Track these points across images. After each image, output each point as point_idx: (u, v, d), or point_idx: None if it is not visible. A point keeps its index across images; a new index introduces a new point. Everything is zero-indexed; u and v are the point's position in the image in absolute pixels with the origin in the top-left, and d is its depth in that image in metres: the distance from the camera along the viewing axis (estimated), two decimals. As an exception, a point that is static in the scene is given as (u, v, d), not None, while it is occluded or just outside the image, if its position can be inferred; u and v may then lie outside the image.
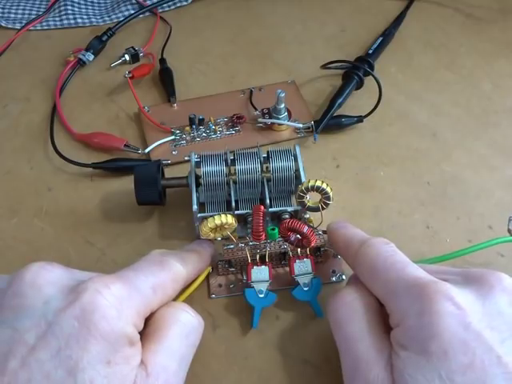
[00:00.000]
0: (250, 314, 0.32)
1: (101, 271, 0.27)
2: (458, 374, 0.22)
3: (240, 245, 0.33)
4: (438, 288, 0.24)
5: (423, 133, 0.44)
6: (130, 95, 0.44)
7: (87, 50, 0.50)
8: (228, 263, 0.34)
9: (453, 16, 0.54)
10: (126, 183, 0.40)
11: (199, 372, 0.30)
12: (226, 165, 0.36)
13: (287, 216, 0.35)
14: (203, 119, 0.43)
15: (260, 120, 0.43)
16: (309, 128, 0.43)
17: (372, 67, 0.46)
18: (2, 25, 0.54)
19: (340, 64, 0.47)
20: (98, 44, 0.50)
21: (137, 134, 0.44)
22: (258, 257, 0.33)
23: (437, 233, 0.37)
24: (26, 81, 0.49)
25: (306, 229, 0.31)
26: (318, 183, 0.32)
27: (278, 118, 0.43)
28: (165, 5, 0.55)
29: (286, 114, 0.43)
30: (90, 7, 0.56)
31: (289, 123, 0.43)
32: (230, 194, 0.36)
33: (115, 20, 0.54)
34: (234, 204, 0.35)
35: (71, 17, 0.54)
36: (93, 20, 0.55)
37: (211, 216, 0.32)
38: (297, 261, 0.33)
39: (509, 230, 0.33)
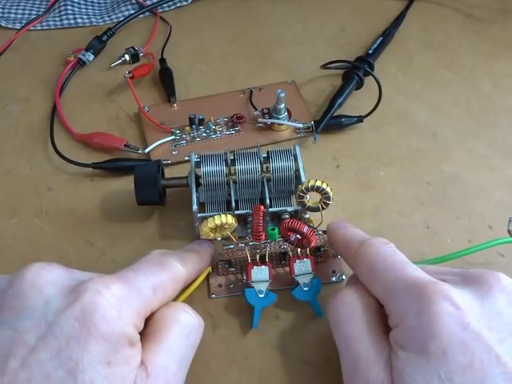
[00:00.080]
0: (250, 314, 0.32)
1: (101, 271, 0.27)
2: (457, 374, 0.22)
3: (240, 245, 0.33)
4: (437, 288, 0.24)
5: (423, 133, 0.44)
6: (130, 95, 0.45)
7: (87, 50, 0.50)
8: (228, 263, 0.34)
9: (453, 16, 0.54)
10: (126, 183, 0.40)
11: (199, 372, 0.30)
12: (226, 165, 0.36)
13: (287, 216, 0.35)
14: (203, 119, 0.43)
15: (260, 120, 0.44)
16: (309, 128, 0.43)
17: (372, 67, 0.46)
18: (2, 25, 0.54)
19: (340, 64, 0.47)
20: (97, 44, 0.50)
21: (137, 134, 0.44)
22: (257, 257, 0.33)
23: (437, 233, 0.37)
24: (26, 81, 0.49)
25: (305, 229, 0.31)
26: (318, 183, 0.32)
27: (278, 118, 0.43)
28: (165, 5, 0.55)
29: (286, 113, 0.43)
30: (90, 7, 0.56)
31: (289, 123, 0.43)
32: (230, 194, 0.36)
33: (115, 20, 0.54)
34: (233, 204, 0.35)
35: (71, 17, 0.54)
36: (93, 20, 0.55)
37: (211, 216, 0.32)
38: (297, 261, 0.33)
39: (509, 231, 0.33)
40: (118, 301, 0.25)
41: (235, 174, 0.36)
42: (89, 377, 0.22)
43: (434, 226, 0.37)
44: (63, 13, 0.54)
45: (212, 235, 0.33)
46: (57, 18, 0.54)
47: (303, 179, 0.35)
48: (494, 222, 0.37)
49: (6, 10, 0.55)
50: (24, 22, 0.54)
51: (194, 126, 0.43)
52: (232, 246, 0.33)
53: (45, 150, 0.43)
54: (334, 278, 0.34)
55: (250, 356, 0.31)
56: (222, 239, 0.34)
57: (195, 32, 0.53)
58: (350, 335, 0.27)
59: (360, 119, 0.43)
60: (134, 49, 0.50)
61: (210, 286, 0.34)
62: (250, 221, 0.35)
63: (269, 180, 0.36)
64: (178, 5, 0.56)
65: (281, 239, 0.33)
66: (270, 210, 0.35)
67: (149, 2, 0.55)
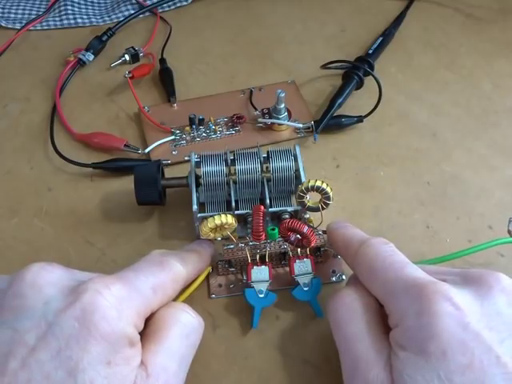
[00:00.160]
0: (250, 314, 0.32)
1: (101, 271, 0.27)
2: (456, 374, 0.22)
3: (240, 245, 0.33)
4: (437, 288, 0.24)
5: (423, 133, 0.44)
6: (130, 95, 0.45)
7: (87, 50, 0.50)
8: (228, 263, 0.34)
9: (453, 16, 0.54)
10: (126, 183, 0.40)
11: (199, 372, 0.30)
12: (226, 165, 0.36)
13: (287, 216, 0.35)
14: (203, 119, 0.43)
15: (260, 120, 0.43)
16: (309, 128, 0.43)
17: (372, 67, 0.46)
18: (2, 25, 0.54)
19: (340, 64, 0.47)
20: (97, 44, 0.50)
21: (137, 134, 0.44)
22: (258, 257, 0.33)
23: (437, 233, 0.37)
24: (26, 81, 0.49)
25: (306, 229, 0.31)
26: (318, 183, 0.32)
27: (278, 118, 0.43)
28: (165, 5, 0.55)
29: (286, 113, 0.43)
30: (90, 7, 0.56)
31: (289, 123, 0.43)
32: (230, 194, 0.36)
33: (115, 20, 0.54)
34: (233, 204, 0.35)
35: (71, 17, 0.54)
36: (93, 20, 0.55)
37: (211, 216, 0.32)
38: (297, 261, 0.33)
39: (509, 232, 0.33)
40: (118, 301, 0.25)
41: (235, 174, 0.36)
42: (89, 377, 0.22)
43: (434, 225, 0.37)
44: (63, 13, 0.54)
45: (212, 235, 0.33)
46: (57, 18, 0.54)
47: (303, 179, 0.35)
48: (493, 222, 0.37)
49: (6, 10, 0.55)
50: (24, 21, 0.54)
51: (194, 126, 0.43)
52: (232, 246, 0.33)
53: (45, 150, 0.43)
54: (334, 278, 0.34)
55: (250, 356, 0.31)
56: (222, 239, 0.34)
57: (195, 32, 0.53)
58: (350, 335, 0.27)
59: (360, 119, 0.43)
60: (134, 49, 0.50)
61: (209, 285, 0.34)
62: (249, 221, 0.35)
63: (269, 180, 0.36)
64: (178, 5, 0.56)
65: (281, 239, 0.33)
66: (270, 210, 0.35)
67: (149, 2, 0.55)
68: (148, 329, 0.27)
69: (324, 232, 0.33)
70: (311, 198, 0.34)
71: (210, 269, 0.34)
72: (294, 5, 0.56)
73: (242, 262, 0.34)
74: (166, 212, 0.38)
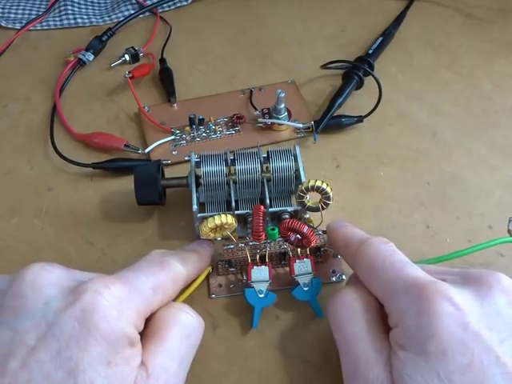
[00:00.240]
0: (250, 314, 0.32)
1: (101, 271, 0.27)
2: (456, 374, 0.22)
3: (240, 245, 0.33)
4: (437, 288, 0.24)
5: (423, 133, 0.44)
6: (130, 95, 0.45)
7: (87, 49, 0.50)
8: (228, 263, 0.34)
9: (453, 16, 0.54)
10: (126, 183, 0.40)
11: (199, 372, 0.30)
12: (226, 165, 0.36)
13: (287, 216, 0.35)
14: (203, 119, 0.43)
15: (260, 120, 0.44)
16: (309, 128, 0.43)
17: (372, 67, 0.46)
18: (2, 25, 0.54)
19: (340, 64, 0.47)
20: (97, 44, 0.50)
21: (137, 134, 0.44)
22: (258, 257, 0.33)
23: (437, 233, 0.37)
24: (26, 81, 0.49)
25: (306, 229, 0.31)
26: (318, 183, 0.32)
27: (278, 118, 0.43)
28: (165, 5, 0.55)
29: (286, 113, 0.43)
30: (90, 7, 0.56)
31: (289, 123, 0.43)
32: (230, 194, 0.36)
33: (115, 20, 0.54)
34: (233, 204, 0.35)
35: (71, 17, 0.54)
36: (93, 20, 0.55)
37: (211, 216, 0.32)
38: (297, 261, 0.33)
39: (509, 231, 0.33)
40: (117, 301, 0.25)
41: (235, 174, 0.36)
42: (89, 377, 0.22)
43: (434, 225, 0.37)
44: (63, 13, 0.54)
45: (212, 235, 0.33)
46: (57, 18, 0.54)
47: (303, 179, 0.35)
48: (493, 222, 0.37)
49: (6, 10, 0.55)
50: (24, 21, 0.54)
51: (194, 126, 0.43)
52: (232, 246, 0.33)
53: (45, 150, 0.43)
54: (334, 278, 0.34)
55: (250, 356, 0.31)
56: (222, 239, 0.34)
57: (195, 32, 0.53)
58: (350, 335, 0.27)
59: (360, 119, 0.43)
60: (134, 49, 0.50)
61: (209, 285, 0.34)
62: (249, 221, 0.35)
63: (269, 180, 0.36)
64: (178, 5, 0.56)
65: (281, 239, 0.33)
66: (270, 210, 0.35)
67: (149, 2, 0.55)
68: (148, 329, 0.27)
69: (324, 232, 0.33)
70: (311, 198, 0.34)
71: (209, 269, 0.34)
72: (294, 5, 0.56)
73: (242, 261, 0.34)
74: (166, 212, 0.38)
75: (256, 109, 0.45)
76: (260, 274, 0.33)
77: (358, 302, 0.27)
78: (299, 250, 0.33)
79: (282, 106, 0.43)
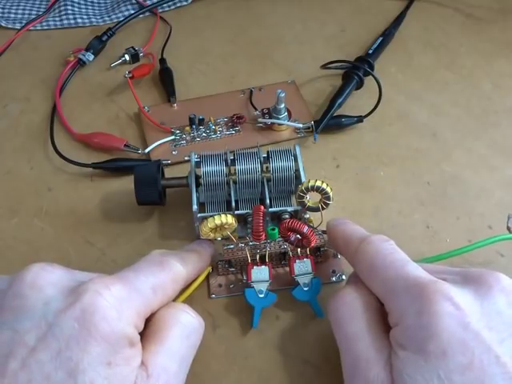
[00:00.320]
0: (250, 314, 0.32)
1: (101, 271, 0.27)
2: (456, 374, 0.22)
3: (240, 245, 0.33)
4: (437, 288, 0.24)
5: (423, 133, 0.44)
6: (130, 95, 0.45)
7: (87, 49, 0.50)
8: (228, 263, 0.34)
9: (453, 16, 0.54)
10: (126, 183, 0.40)
11: (199, 372, 0.30)
12: (226, 165, 0.36)
13: (287, 216, 0.35)
14: (203, 119, 0.43)
15: (260, 120, 0.44)
16: (309, 128, 0.43)
17: (372, 67, 0.46)
18: (2, 25, 0.54)
19: (340, 64, 0.47)
20: (97, 44, 0.50)
21: (137, 134, 0.44)
22: (257, 257, 0.33)
23: (437, 233, 0.37)
24: (26, 81, 0.49)
25: (306, 229, 0.31)
26: (318, 183, 0.32)
27: (278, 118, 0.43)
28: (165, 5, 0.55)
29: (286, 113, 0.43)
30: (90, 7, 0.56)
31: (289, 123, 0.43)
32: (230, 194, 0.36)
33: (115, 20, 0.54)
34: (233, 204, 0.35)
35: (71, 17, 0.54)
36: (93, 20, 0.55)
37: (211, 216, 0.32)
38: (297, 261, 0.33)
39: (508, 228, 0.33)
40: (117, 301, 0.25)
41: (235, 174, 0.36)
42: (89, 378, 0.22)
43: (434, 225, 0.38)
44: (63, 13, 0.54)
45: (212, 235, 0.33)
46: (57, 18, 0.54)
47: (303, 179, 0.35)
48: (493, 222, 0.37)
49: (6, 10, 0.55)
50: (24, 21, 0.54)
51: (194, 126, 0.43)
52: (232, 246, 0.33)
53: (45, 150, 0.43)
54: (333, 278, 0.34)
55: (250, 356, 0.31)
56: (222, 239, 0.34)
57: (195, 32, 0.53)
58: (351, 334, 0.27)
59: (360, 119, 0.43)
60: (134, 49, 0.50)
61: (210, 285, 0.34)
62: (249, 221, 0.35)
63: (269, 180, 0.36)
64: (178, 5, 0.56)
65: (281, 239, 0.33)
66: (270, 210, 0.35)
67: (149, 2, 0.55)
68: (148, 329, 0.27)
69: (324, 232, 0.33)
70: (311, 198, 0.34)
71: (209, 269, 0.34)
72: (294, 5, 0.56)
73: (242, 262, 0.34)
74: (166, 212, 0.38)
75: (256, 109, 0.45)
76: (260, 274, 0.33)
77: (359, 302, 0.27)
78: (299, 249, 0.33)
79: (282, 106, 0.43)
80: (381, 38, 0.50)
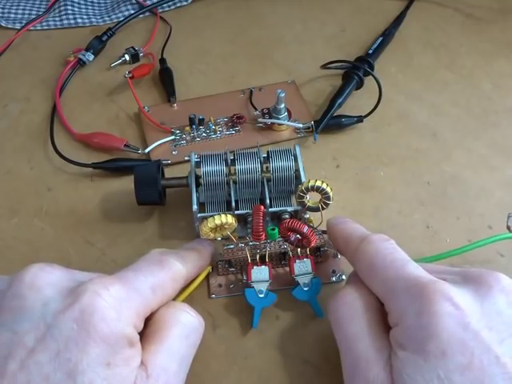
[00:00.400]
0: (250, 314, 0.32)
1: (101, 271, 0.27)
2: (456, 374, 0.22)
3: (240, 245, 0.33)
4: (437, 288, 0.24)
5: (423, 133, 0.44)
6: (130, 95, 0.45)
7: (87, 50, 0.50)
8: (228, 263, 0.34)
9: (453, 16, 0.54)
10: (126, 183, 0.40)
11: (199, 372, 0.30)
12: (226, 165, 0.36)
13: (287, 216, 0.35)
14: (203, 119, 0.43)
15: (260, 120, 0.43)
16: (309, 128, 0.43)
17: (372, 67, 0.46)
18: (2, 25, 0.54)
19: (340, 64, 0.47)
20: (97, 44, 0.50)
21: (137, 134, 0.44)
22: (258, 257, 0.33)
23: (437, 233, 0.37)
24: (26, 81, 0.49)
25: (305, 229, 0.31)
26: (318, 183, 0.32)
27: (278, 118, 0.43)
28: (165, 5, 0.55)
29: (286, 113, 0.43)
30: (90, 7, 0.56)
31: (289, 123, 0.43)
32: (230, 194, 0.36)
33: (115, 20, 0.54)
34: (233, 204, 0.35)
35: (71, 17, 0.54)
36: (93, 20, 0.55)
37: (211, 216, 0.32)
38: (297, 261, 0.33)
39: (508, 227, 0.33)
40: (116, 302, 0.25)
41: (235, 173, 0.36)
42: (88, 378, 0.22)
43: (434, 225, 0.37)
44: (63, 13, 0.54)
45: (212, 235, 0.33)
46: (57, 18, 0.54)
47: (303, 179, 0.35)
48: (493, 222, 0.37)
49: (5, 10, 0.55)
50: (24, 22, 0.54)
51: (194, 126, 0.43)
52: (232, 246, 0.33)
53: (45, 150, 0.43)
54: (333, 278, 0.34)
55: (250, 356, 0.31)
56: (222, 239, 0.34)
57: (195, 32, 0.53)
58: (351, 334, 0.27)
59: (360, 119, 0.43)
60: (134, 49, 0.50)
61: (210, 285, 0.34)
62: (250, 221, 0.35)
63: (269, 180, 0.36)
64: (178, 5, 0.56)
65: (281, 239, 0.33)
66: (270, 210, 0.35)
67: (149, 2, 0.55)
68: (148, 329, 0.27)
69: (324, 232, 0.33)
70: (311, 198, 0.34)
71: (209, 269, 0.34)
72: (294, 5, 0.56)
73: (242, 262, 0.34)
74: (166, 212, 0.38)
75: (256, 109, 0.45)
76: (260, 274, 0.32)
77: (359, 302, 0.27)
78: (299, 249, 0.33)
79: (282, 106, 0.43)
80: (381, 38, 0.50)
